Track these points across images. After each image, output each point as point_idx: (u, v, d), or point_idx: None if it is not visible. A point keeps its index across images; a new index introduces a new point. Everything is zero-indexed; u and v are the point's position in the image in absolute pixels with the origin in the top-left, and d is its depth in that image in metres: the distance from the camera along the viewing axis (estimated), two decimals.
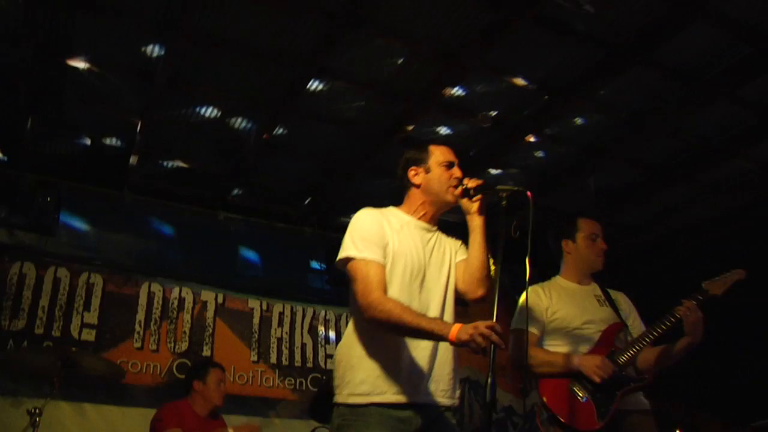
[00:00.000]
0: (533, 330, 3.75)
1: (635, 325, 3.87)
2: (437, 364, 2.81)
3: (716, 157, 6.44)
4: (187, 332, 6.37)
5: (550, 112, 5.81)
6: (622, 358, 3.61)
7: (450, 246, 3.07)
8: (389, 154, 6.25)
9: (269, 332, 6.76)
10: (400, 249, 2.86)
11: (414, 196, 3.06)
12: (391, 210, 3.05)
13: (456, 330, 2.48)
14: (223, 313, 6.61)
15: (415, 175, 3.05)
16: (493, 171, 6.67)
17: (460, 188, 2.95)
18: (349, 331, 2.88)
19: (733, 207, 7.23)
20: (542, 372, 3.64)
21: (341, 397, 2.75)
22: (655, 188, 6.98)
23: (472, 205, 2.95)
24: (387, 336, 2.70)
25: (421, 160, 3.05)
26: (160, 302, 6.38)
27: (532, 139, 6.07)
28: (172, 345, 6.28)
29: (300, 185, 6.99)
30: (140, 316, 6.26)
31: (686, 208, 7.32)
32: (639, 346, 3.65)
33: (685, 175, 6.74)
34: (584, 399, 3.55)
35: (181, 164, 6.65)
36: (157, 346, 6.22)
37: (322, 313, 7.12)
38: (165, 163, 6.65)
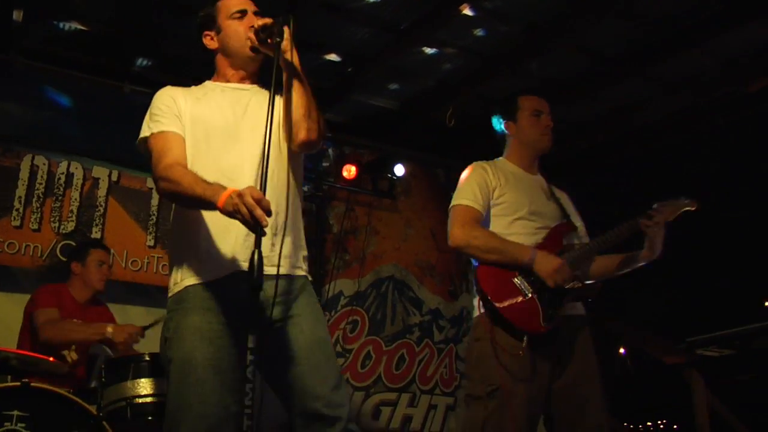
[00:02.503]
0: (475, 206, 3.35)
1: (581, 229, 3.55)
2: (273, 230, 2.51)
3: (675, 49, 5.86)
4: (75, 211, 5.74)
5: None
6: (579, 266, 3.30)
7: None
8: (309, 23, 5.55)
9: (169, 215, 6.01)
10: (199, 113, 2.62)
11: (218, 63, 2.82)
12: (203, 84, 2.81)
13: (225, 196, 2.20)
14: (117, 192, 5.97)
15: (210, 40, 2.80)
16: (428, 50, 5.99)
17: (252, 35, 2.60)
18: (171, 220, 2.77)
19: (692, 108, 6.69)
20: (487, 259, 3.26)
21: (169, 291, 2.57)
22: (606, 81, 6.39)
23: (274, 51, 2.56)
24: (203, 212, 2.49)
25: (210, 22, 2.78)
26: (45, 177, 5.71)
27: (468, 12, 5.38)
28: (57, 225, 5.66)
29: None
30: (20, 191, 5.59)
31: (640, 106, 6.76)
32: (592, 253, 3.37)
33: (640, 68, 6.17)
34: (529, 296, 3.18)
35: (79, 26, 5.87)
36: (39, 226, 5.60)
37: None
38: (61, 25, 5.86)
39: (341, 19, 5.59)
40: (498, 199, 3.39)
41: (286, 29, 2.51)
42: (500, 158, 3.62)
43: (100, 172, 5.94)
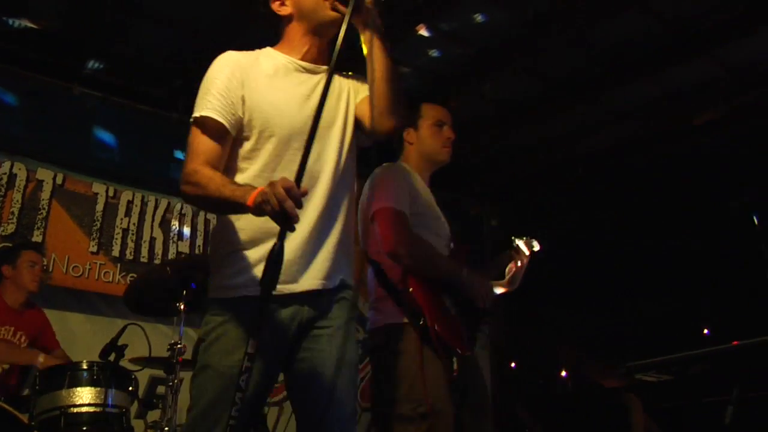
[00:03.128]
0: (407, 212, 3.06)
1: None
2: (327, 242, 2.30)
3: (625, 79, 6.01)
4: (16, 213, 5.54)
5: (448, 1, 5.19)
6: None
7: (347, 87, 2.43)
8: (265, 31, 5.55)
9: (114, 221, 5.99)
10: (266, 102, 2.27)
11: (289, 30, 2.42)
12: (267, 51, 2.41)
13: (256, 193, 1.95)
14: (62, 195, 5.79)
15: (281, 5, 2.40)
16: None
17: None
18: (221, 216, 2.39)
19: (638, 137, 6.83)
20: (420, 270, 3.00)
21: (212, 290, 2.31)
22: (557, 107, 6.50)
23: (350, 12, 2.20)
24: (247, 221, 2.23)
25: None
26: None
27: (424, 33, 5.43)
28: None
29: (168, 62, 6.20)
30: None
31: (589, 132, 6.88)
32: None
33: (590, 95, 6.29)
34: (454, 317, 3.05)
35: (30, 24, 5.77)
36: None
37: (178, 206, 6.36)
38: (11, 22, 5.75)
39: None
40: (417, 210, 3.15)
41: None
42: (402, 163, 3.35)
43: (45, 174, 5.76)
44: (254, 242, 2.25)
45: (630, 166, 7.15)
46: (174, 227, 6.32)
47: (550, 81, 6.18)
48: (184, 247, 6.32)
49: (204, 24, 5.61)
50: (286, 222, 1.88)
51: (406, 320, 2.97)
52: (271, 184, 1.90)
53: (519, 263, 3.45)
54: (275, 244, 1.88)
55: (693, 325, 6.52)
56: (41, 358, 4.25)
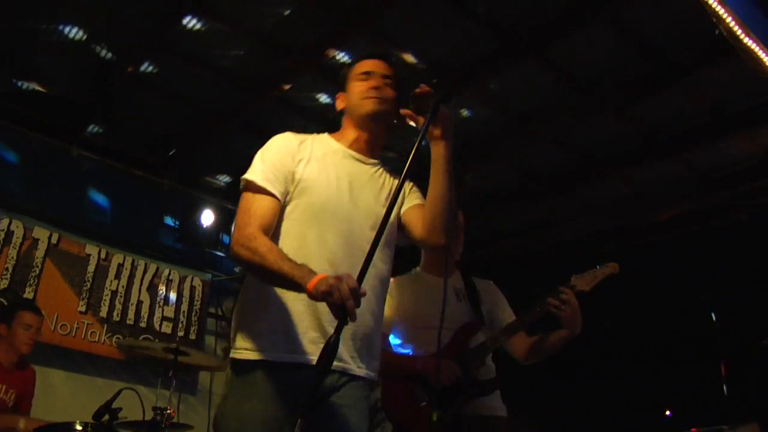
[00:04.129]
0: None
1: (502, 316, 3.55)
2: (357, 324, 2.30)
3: (598, 175, 6.37)
4: (10, 269, 5.67)
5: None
6: (473, 363, 3.31)
7: (395, 186, 2.51)
8: (261, 112, 5.86)
9: (104, 283, 6.15)
10: (312, 178, 2.42)
11: (343, 121, 2.64)
12: (322, 136, 2.61)
13: (317, 280, 2.03)
14: (55, 255, 5.94)
15: (340, 101, 2.65)
16: None
17: (374, 94, 2.50)
18: (250, 277, 2.44)
19: (607, 229, 7.17)
20: (386, 373, 3.09)
21: (233, 351, 2.35)
22: (532, 199, 6.86)
23: (420, 120, 2.42)
24: (286, 292, 2.30)
25: (343, 83, 2.65)
26: None
27: (413, 123, 5.75)
28: None
29: (165, 132, 6.46)
30: None
31: (562, 223, 7.22)
32: (494, 344, 3.37)
33: (564, 189, 6.65)
34: (423, 402, 3.19)
35: (37, 87, 6.01)
36: None
37: (166, 271, 6.57)
38: (19, 84, 5.99)
39: (293, 114, 5.86)
40: (404, 313, 3.46)
41: (443, 107, 2.35)
42: (417, 268, 3.66)
43: (41, 233, 5.91)
44: (285, 303, 2.30)
45: (598, 256, 7.44)
46: (161, 292, 6.49)
47: (528, 174, 6.54)
48: (170, 312, 6.49)
49: (202, 99, 5.88)
50: (345, 318, 1.95)
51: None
52: (338, 279, 1.97)
53: (564, 308, 3.24)
54: (331, 337, 1.94)
55: (656, 407, 6.77)
56: (21, 424, 4.22)
